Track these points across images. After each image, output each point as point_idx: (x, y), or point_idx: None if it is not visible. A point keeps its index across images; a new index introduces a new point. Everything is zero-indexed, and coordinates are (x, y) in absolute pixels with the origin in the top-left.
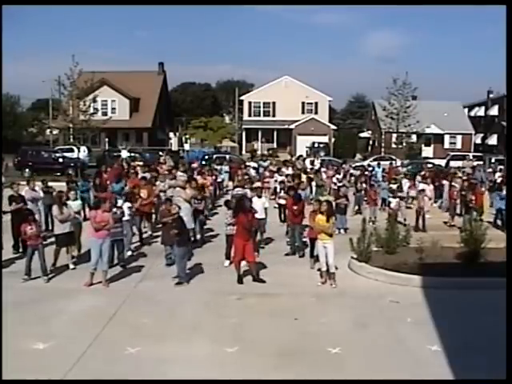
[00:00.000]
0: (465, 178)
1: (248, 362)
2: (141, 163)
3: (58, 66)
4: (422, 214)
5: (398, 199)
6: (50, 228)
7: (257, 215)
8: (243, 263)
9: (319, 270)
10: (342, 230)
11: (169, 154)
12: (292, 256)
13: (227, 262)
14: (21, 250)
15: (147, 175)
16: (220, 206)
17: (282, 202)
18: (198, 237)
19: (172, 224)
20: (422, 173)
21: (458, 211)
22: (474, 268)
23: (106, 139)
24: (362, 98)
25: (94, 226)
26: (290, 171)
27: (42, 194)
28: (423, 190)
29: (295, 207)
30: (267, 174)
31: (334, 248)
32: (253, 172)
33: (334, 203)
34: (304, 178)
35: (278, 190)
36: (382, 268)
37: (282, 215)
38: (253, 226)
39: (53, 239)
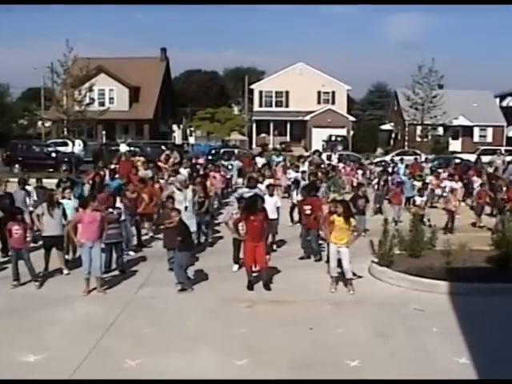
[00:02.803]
0: (493, 174)
1: (258, 375)
2: (142, 159)
3: (50, 51)
4: (452, 215)
5: (424, 198)
6: None
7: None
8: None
9: (331, 276)
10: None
11: (173, 149)
12: (307, 260)
13: (236, 267)
14: (10, 253)
15: (149, 172)
16: (228, 205)
17: (296, 201)
18: (203, 239)
19: (174, 229)
20: (449, 169)
21: (488, 211)
22: (506, 273)
23: (104, 132)
24: (384, 87)
25: (84, 228)
26: (305, 167)
27: (35, 195)
28: (455, 189)
29: (307, 206)
30: (279, 169)
31: (352, 251)
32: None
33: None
34: (320, 174)
35: (293, 187)
36: (406, 273)
37: (297, 215)
38: (266, 228)
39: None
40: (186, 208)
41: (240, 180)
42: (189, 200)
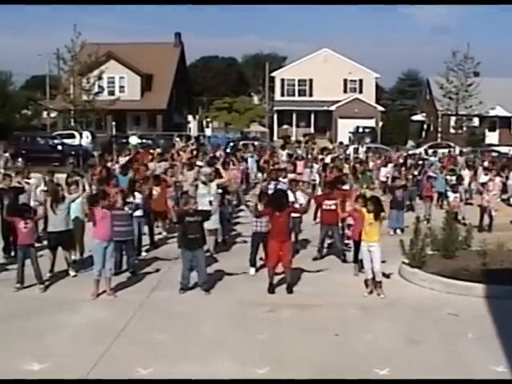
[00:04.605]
0: None
1: None
2: (158, 150)
3: (56, 36)
4: (487, 212)
5: (457, 194)
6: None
7: None
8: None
9: (366, 280)
10: (398, 230)
11: (189, 141)
12: (330, 261)
13: (252, 271)
14: (13, 253)
15: (163, 164)
16: (248, 201)
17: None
18: (220, 238)
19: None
20: (486, 162)
21: None
22: None
23: (113, 123)
24: (415, 75)
25: (97, 225)
26: (329, 160)
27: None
28: (486, 183)
29: (330, 201)
30: (300, 163)
31: (383, 251)
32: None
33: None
34: (346, 168)
35: (318, 182)
36: (439, 275)
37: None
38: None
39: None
40: (210, 202)
41: (260, 175)
42: (213, 194)
